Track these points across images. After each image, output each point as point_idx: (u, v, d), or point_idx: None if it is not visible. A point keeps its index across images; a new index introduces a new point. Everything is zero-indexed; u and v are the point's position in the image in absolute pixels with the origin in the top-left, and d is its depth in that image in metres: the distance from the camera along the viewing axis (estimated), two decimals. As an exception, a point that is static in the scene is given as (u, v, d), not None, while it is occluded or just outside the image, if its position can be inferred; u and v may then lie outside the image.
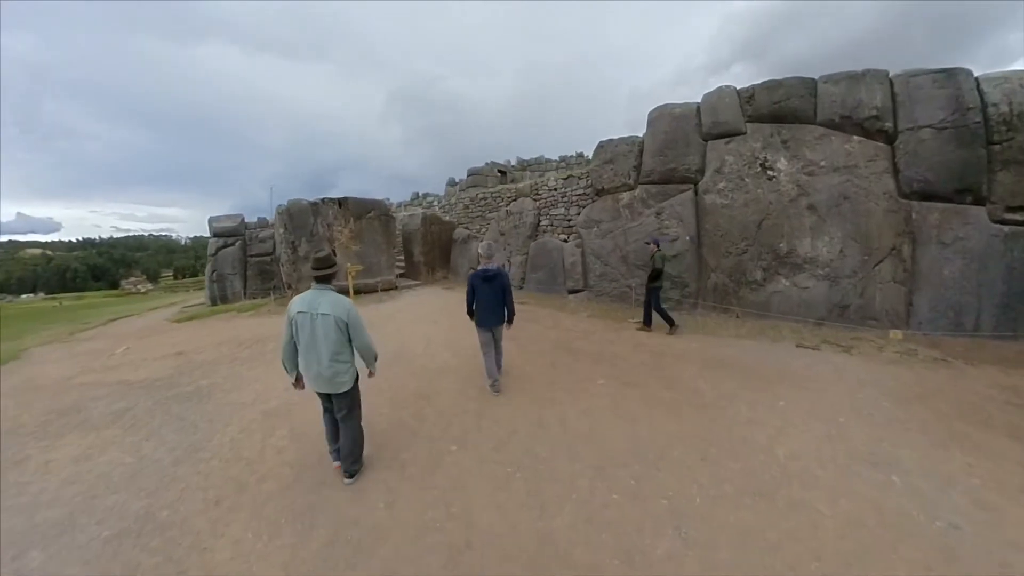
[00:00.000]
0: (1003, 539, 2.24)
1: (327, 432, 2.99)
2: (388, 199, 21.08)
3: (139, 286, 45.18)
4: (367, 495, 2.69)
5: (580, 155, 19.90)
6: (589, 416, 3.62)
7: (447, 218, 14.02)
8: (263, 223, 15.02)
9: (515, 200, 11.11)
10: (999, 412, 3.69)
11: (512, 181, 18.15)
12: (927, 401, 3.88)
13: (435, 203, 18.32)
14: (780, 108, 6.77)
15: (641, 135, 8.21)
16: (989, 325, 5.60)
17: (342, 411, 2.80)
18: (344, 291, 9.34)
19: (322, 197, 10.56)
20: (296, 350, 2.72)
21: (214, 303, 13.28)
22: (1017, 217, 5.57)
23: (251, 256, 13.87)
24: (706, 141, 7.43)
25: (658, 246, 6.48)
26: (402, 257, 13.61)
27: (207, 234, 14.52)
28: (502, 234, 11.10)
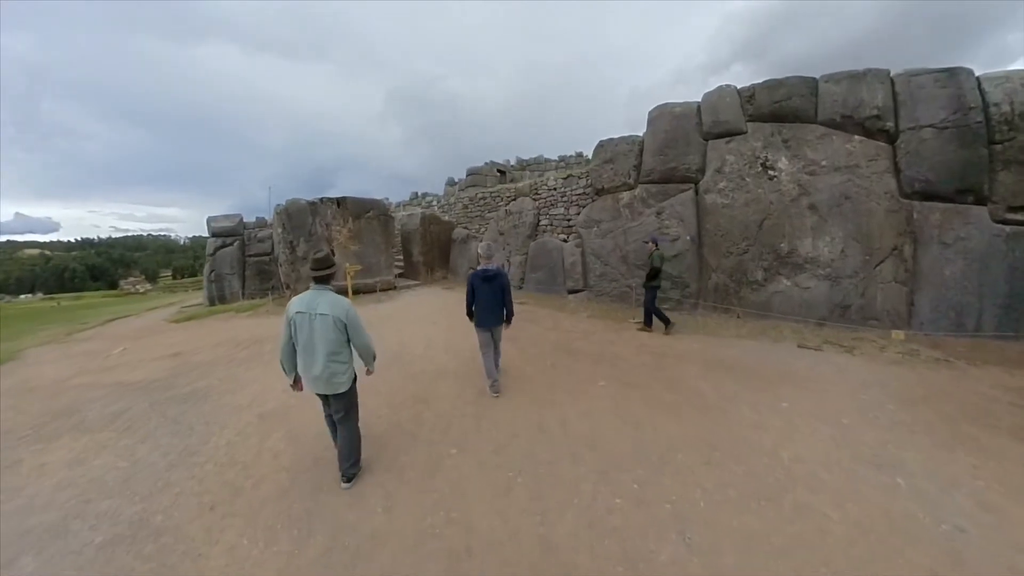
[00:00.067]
0: (1009, 541, 2.21)
1: (331, 434, 2.98)
2: (387, 199, 21.03)
3: (138, 286, 45.04)
4: (365, 500, 2.64)
5: (579, 155, 19.87)
6: (590, 418, 3.58)
7: (446, 218, 13.97)
8: (262, 223, 14.96)
9: (514, 200, 11.07)
10: (1004, 413, 3.67)
11: (511, 181, 18.11)
12: (931, 402, 3.85)
13: (434, 203, 18.27)
14: (781, 107, 6.74)
15: (641, 134, 8.18)
16: (991, 325, 5.58)
17: (339, 413, 2.79)
18: (343, 291, 9.29)
19: (320, 197, 10.51)
20: (295, 351, 2.71)
21: (212, 303, 13.22)
22: (1018, 217, 5.55)
23: (249, 256, 13.81)
24: (706, 140, 7.40)
25: (656, 245, 6.47)
26: (401, 257, 13.56)
27: (206, 234, 14.45)
28: (501, 234, 11.06)
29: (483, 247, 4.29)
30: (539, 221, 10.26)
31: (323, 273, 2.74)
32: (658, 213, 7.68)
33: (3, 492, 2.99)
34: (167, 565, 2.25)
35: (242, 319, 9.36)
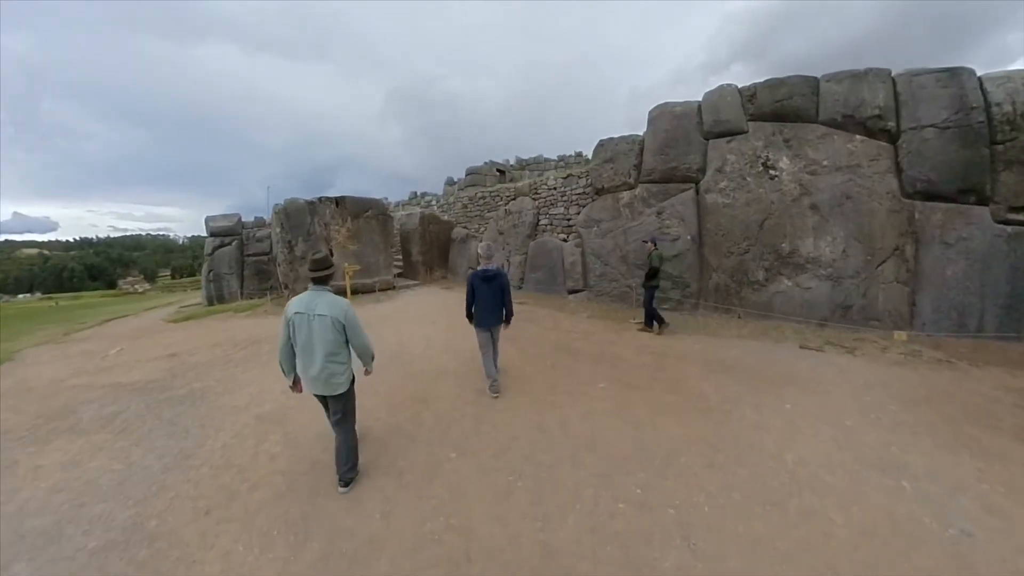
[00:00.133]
0: (1016, 546, 2.19)
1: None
2: (386, 198, 20.95)
3: (136, 286, 44.96)
4: (363, 504, 2.60)
5: (579, 154, 19.83)
6: (591, 420, 3.54)
7: (445, 217, 13.92)
8: (260, 222, 14.90)
9: (514, 199, 11.03)
10: (1007, 415, 3.65)
11: (511, 180, 18.07)
12: (934, 404, 3.83)
13: (433, 202, 18.21)
14: (782, 107, 6.71)
15: (641, 134, 8.14)
16: (992, 326, 5.56)
17: (337, 414, 2.78)
18: (341, 291, 9.24)
19: (319, 196, 10.44)
20: (294, 352, 2.70)
21: (211, 303, 13.17)
22: (1020, 217, 5.53)
23: (248, 256, 13.76)
24: (707, 140, 7.36)
25: (655, 244, 6.44)
26: (400, 257, 13.51)
27: (205, 234, 14.39)
28: (501, 233, 11.02)
29: (483, 247, 4.28)
30: (539, 221, 10.22)
31: (321, 274, 2.74)
32: (659, 213, 7.64)
33: (0, 495, 2.95)
34: (161, 572, 2.21)
35: (240, 319, 9.31)
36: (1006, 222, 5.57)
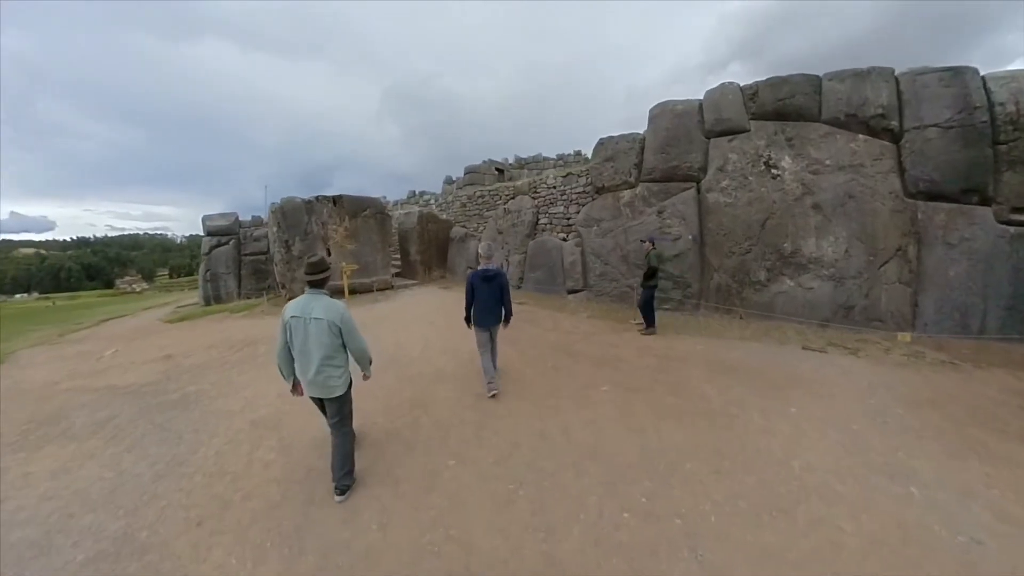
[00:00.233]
0: (1027, 553, 2.13)
1: None
2: (384, 197, 20.80)
3: (134, 285, 44.74)
4: (359, 515, 2.52)
5: (578, 153, 19.74)
6: (594, 426, 3.47)
7: (444, 216, 13.83)
8: (258, 221, 14.77)
9: (513, 198, 10.95)
10: (1013, 418, 3.62)
11: (510, 179, 17.98)
12: (939, 406, 3.78)
13: (432, 201, 18.11)
14: (784, 105, 6.64)
15: (642, 132, 8.07)
16: (995, 327, 5.52)
17: (334, 418, 2.77)
18: (339, 291, 9.15)
19: (316, 195, 10.34)
20: (291, 356, 2.71)
21: (208, 303, 13.06)
22: (1023, 218, 5.48)
23: (245, 255, 13.63)
24: (709, 139, 7.30)
25: (653, 244, 6.39)
26: (398, 256, 13.42)
27: (202, 233, 14.26)
28: (500, 233, 10.94)
29: (483, 247, 4.29)
30: (538, 220, 10.15)
31: (317, 277, 2.74)
32: (659, 212, 7.58)
33: (-12, 503, 2.88)
34: (151, 586, 2.14)
35: (236, 320, 9.22)
36: (1009, 223, 5.53)
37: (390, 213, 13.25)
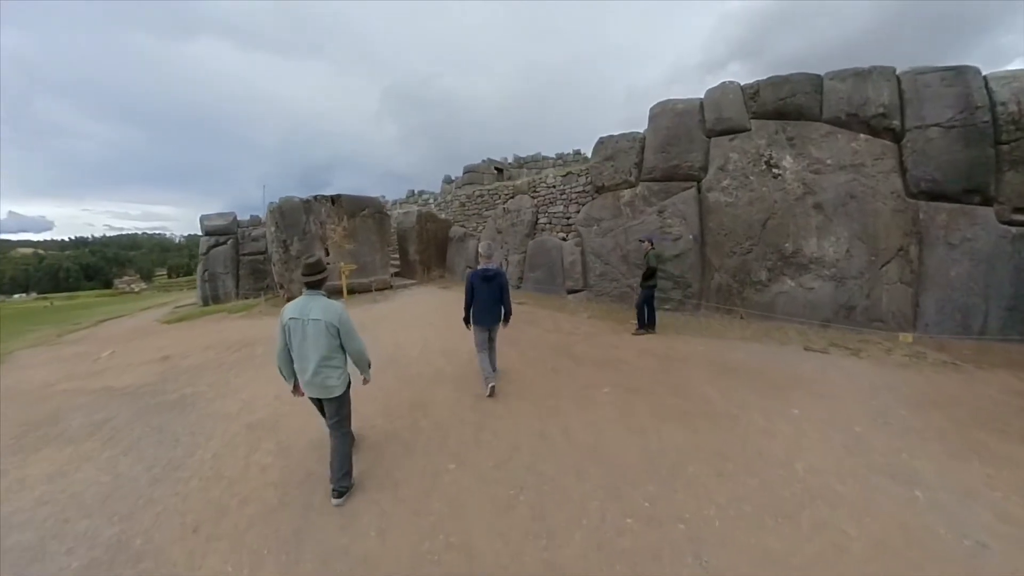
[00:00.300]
0: (1032, 556, 2.11)
1: None
2: (383, 197, 20.73)
3: (132, 285, 44.65)
4: (358, 520, 2.49)
5: (577, 152, 19.68)
6: (596, 428, 3.44)
7: (443, 216, 13.79)
8: (256, 221, 14.70)
9: (512, 197, 10.91)
10: (1014, 419, 3.60)
11: (509, 178, 17.93)
12: (941, 407, 3.77)
13: (431, 201, 18.04)
14: (785, 105, 6.61)
15: (642, 131, 8.03)
16: (996, 328, 5.50)
17: (333, 418, 2.76)
18: (337, 291, 9.11)
19: (315, 195, 10.29)
20: (291, 357, 2.72)
21: (206, 303, 13.01)
22: (1025, 218, 5.47)
23: (243, 255, 13.58)
24: (709, 138, 7.26)
25: (652, 244, 6.36)
26: (397, 256, 13.37)
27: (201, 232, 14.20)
28: (499, 232, 10.90)
29: (484, 246, 4.29)
30: (538, 219, 10.11)
31: (314, 279, 2.73)
32: (660, 211, 7.55)
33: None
34: (146, 593, 2.11)
35: (234, 320, 9.18)
36: (1011, 223, 5.51)
37: (389, 212, 13.20)
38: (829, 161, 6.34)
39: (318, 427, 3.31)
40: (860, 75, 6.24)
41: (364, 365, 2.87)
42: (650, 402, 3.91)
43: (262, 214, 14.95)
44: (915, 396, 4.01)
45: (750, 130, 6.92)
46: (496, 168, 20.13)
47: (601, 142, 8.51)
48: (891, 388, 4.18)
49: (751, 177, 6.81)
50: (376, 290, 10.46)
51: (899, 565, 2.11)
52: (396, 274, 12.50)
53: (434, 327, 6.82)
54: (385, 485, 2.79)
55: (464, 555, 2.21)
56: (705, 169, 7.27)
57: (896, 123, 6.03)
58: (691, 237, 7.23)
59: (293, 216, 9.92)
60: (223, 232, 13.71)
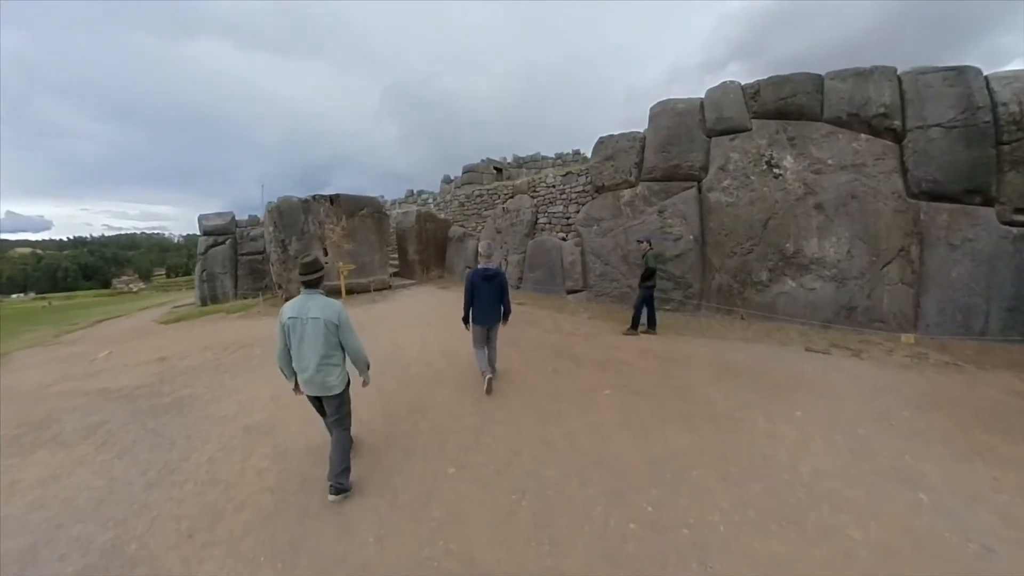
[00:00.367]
0: (1039, 560, 2.08)
1: None
2: (382, 196, 20.65)
3: (131, 285, 44.50)
4: (356, 527, 2.44)
5: (577, 152, 19.64)
6: (598, 431, 3.40)
7: (442, 216, 13.74)
8: (254, 221, 14.63)
9: (512, 197, 10.87)
10: (1018, 420, 3.59)
11: (508, 178, 17.88)
12: (945, 409, 3.75)
13: (430, 200, 17.99)
14: (786, 104, 6.59)
15: (642, 131, 8.00)
16: (997, 328, 5.49)
17: (333, 415, 2.77)
18: (336, 291, 9.05)
19: (313, 194, 10.23)
20: (291, 357, 2.73)
21: (204, 303, 12.93)
22: (1026, 218, 5.46)
23: (242, 255, 13.51)
24: (710, 137, 7.24)
25: (650, 244, 6.33)
26: (396, 256, 13.32)
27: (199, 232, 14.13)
28: (499, 232, 10.86)
29: (483, 246, 4.29)
30: (537, 219, 10.07)
31: (311, 278, 2.73)
32: (660, 211, 7.52)
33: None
34: (139, 602, 2.06)
35: (232, 320, 9.11)
36: (1012, 223, 5.51)
37: (388, 212, 13.15)
38: (830, 161, 6.32)
39: (315, 431, 3.28)
40: (861, 75, 6.22)
41: (362, 365, 2.86)
42: (652, 404, 3.87)
43: (261, 214, 14.88)
44: (917, 397, 3.99)
45: (751, 130, 6.89)
46: (495, 168, 20.08)
47: (601, 142, 8.48)
48: (893, 389, 4.16)
49: (752, 177, 6.78)
50: (375, 290, 10.41)
51: (906, 571, 2.08)
52: (395, 274, 12.45)
53: (433, 327, 6.77)
54: (384, 491, 2.75)
55: (465, 563, 2.16)
56: (706, 169, 7.24)
57: (897, 123, 6.02)
58: (692, 237, 7.21)
59: (291, 216, 9.86)
60: (221, 232, 13.64)
